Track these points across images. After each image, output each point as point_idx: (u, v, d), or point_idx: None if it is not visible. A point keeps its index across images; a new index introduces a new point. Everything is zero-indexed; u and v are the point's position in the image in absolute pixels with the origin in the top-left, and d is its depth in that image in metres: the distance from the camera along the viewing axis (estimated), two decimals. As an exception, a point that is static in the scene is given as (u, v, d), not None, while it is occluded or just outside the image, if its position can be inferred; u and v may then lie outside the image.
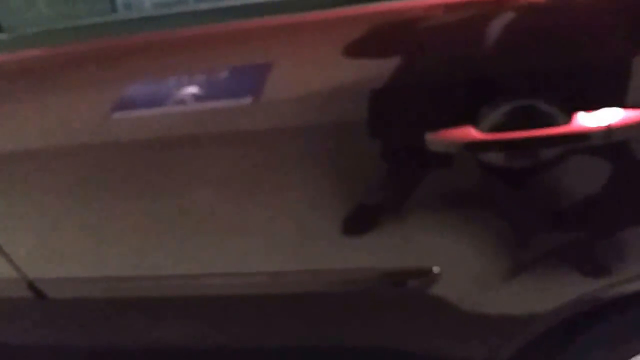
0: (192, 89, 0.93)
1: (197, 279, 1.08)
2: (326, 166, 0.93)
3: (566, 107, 0.82)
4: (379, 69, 0.86)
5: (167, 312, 1.15)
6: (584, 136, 0.82)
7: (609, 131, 0.82)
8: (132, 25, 1.01)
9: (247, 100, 0.91)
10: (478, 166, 0.88)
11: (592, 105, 0.82)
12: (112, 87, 0.97)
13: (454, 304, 0.99)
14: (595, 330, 1.03)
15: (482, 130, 0.84)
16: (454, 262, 0.96)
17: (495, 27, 0.83)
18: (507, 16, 0.82)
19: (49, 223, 1.07)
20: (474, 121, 0.84)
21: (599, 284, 0.96)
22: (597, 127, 0.82)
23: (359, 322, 1.05)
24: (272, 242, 1.01)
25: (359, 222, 0.96)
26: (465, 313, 1.00)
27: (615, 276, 0.95)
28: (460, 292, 0.99)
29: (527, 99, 0.83)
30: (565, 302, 0.97)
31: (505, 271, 0.95)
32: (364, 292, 1.02)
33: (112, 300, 1.13)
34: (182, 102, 0.93)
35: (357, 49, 0.87)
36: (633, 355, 1.04)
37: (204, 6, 0.98)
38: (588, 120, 0.82)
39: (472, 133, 0.84)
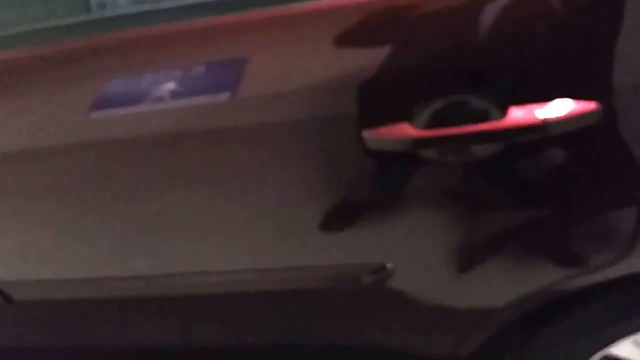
0: (171, 86, 0.93)
1: (175, 279, 1.10)
2: (280, 165, 0.94)
3: (501, 102, 0.81)
4: (319, 66, 0.87)
5: (144, 313, 1.16)
6: (520, 130, 0.81)
7: (544, 125, 0.81)
8: (108, 24, 1.01)
9: (224, 97, 0.92)
10: (422, 162, 0.88)
11: (527, 99, 0.81)
12: (88, 87, 0.97)
13: (411, 299, 0.99)
14: (560, 323, 1.02)
15: (418, 127, 0.83)
16: (409, 258, 0.96)
17: (426, 23, 0.82)
18: (437, 11, 0.81)
19: (15, 225, 1.09)
20: (409, 118, 0.84)
21: (556, 277, 0.95)
22: (533, 120, 0.81)
23: (319, 319, 1.06)
24: (238, 240, 1.02)
25: (316, 220, 0.97)
26: (423, 308, 1.00)
27: (571, 269, 0.94)
28: (416, 287, 0.99)
29: (460, 95, 0.82)
30: (523, 294, 0.96)
31: (460, 265, 0.95)
32: (320, 290, 1.03)
33: (84, 301, 1.15)
34: (161, 99, 0.94)
35: (297, 47, 0.88)
36: (600, 349, 1.04)
37: (180, 2, 0.98)
38: (523, 114, 0.81)
39: (408, 130, 0.84)
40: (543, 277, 0.95)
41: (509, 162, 0.87)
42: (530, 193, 0.90)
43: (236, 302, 1.10)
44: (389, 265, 0.97)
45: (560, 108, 0.81)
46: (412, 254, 0.95)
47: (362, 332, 1.06)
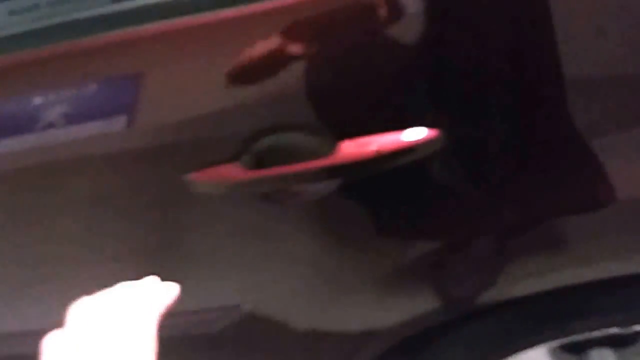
0: (57, 112, 0.82)
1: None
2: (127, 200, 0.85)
3: (330, 137, 0.73)
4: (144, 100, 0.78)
5: None
6: (354, 165, 0.73)
7: (381, 157, 0.73)
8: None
9: (113, 122, 0.82)
10: (265, 199, 0.79)
11: (359, 132, 0.73)
12: None
13: (276, 335, 0.93)
14: (447, 342, 0.97)
15: (245, 167, 0.75)
16: (263, 296, 0.89)
17: (247, 59, 0.73)
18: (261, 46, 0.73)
19: None
20: (237, 158, 0.75)
21: (427, 307, 0.89)
22: (367, 153, 0.73)
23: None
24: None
25: (168, 264, 0.88)
26: (293, 341, 0.94)
27: (437, 301, 0.88)
28: (278, 323, 0.92)
29: (286, 132, 0.74)
30: (403, 319, 0.90)
31: (333, 295, 0.89)
32: (181, 337, 0.95)
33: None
34: (46, 126, 0.83)
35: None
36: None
37: (68, 17, 0.84)
38: (355, 148, 0.73)
39: (235, 171, 0.75)
40: (416, 306, 0.89)
41: (356, 193, 0.79)
42: (388, 221, 0.83)
43: None
44: (244, 307, 0.89)
45: (402, 136, 0.73)
46: (267, 292, 0.88)
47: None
